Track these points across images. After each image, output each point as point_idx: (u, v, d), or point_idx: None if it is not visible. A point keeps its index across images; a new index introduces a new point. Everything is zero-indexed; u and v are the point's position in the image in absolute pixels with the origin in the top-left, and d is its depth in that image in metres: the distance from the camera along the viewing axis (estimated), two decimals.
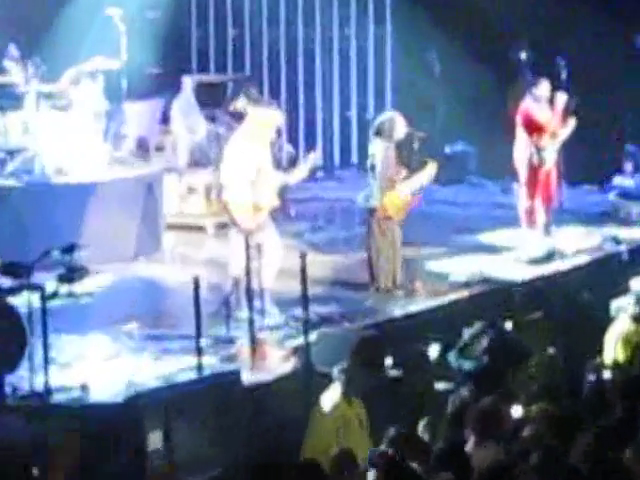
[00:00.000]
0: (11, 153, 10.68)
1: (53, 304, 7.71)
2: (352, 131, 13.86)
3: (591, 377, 7.33)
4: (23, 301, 7.53)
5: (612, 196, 12.03)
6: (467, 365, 7.91)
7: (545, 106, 10.25)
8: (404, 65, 13.47)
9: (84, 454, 6.80)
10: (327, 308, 8.56)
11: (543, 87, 10.10)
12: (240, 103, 10.76)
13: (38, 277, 7.53)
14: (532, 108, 10.22)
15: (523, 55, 12.44)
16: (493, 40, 12.50)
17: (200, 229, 11.62)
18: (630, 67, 12.30)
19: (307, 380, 7.70)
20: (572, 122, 10.38)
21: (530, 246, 10.28)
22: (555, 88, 10.47)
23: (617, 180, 12.15)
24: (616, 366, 8.14)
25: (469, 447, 5.55)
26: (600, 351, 8.41)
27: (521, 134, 10.34)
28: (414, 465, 5.17)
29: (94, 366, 7.99)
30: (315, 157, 9.48)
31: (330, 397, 6.66)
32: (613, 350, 8.34)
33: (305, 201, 11.99)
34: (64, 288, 8.03)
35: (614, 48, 12.28)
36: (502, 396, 6.48)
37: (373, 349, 7.73)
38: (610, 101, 12.36)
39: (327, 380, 7.05)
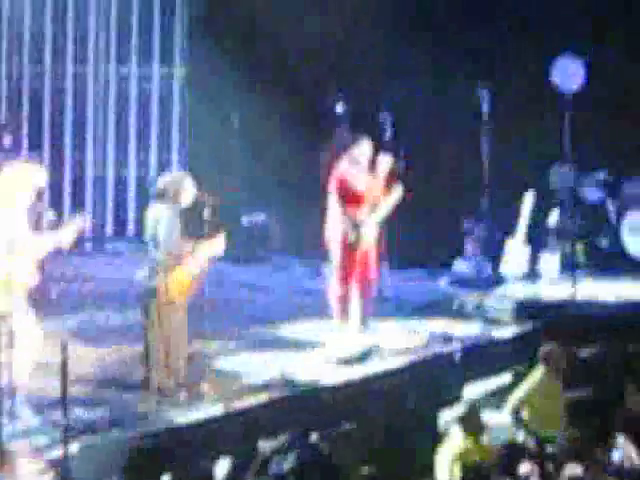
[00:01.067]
0: None
1: None
2: (129, 194, 11.73)
3: None
4: None
5: (444, 284, 10.24)
6: None
7: (364, 171, 8.53)
8: (195, 115, 11.50)
9: None
10: (93, 412, 7.17)
11: (363, 147, 8.42)
12: None
13: None
14: (348, 173, 8.49)
15: (339, 108, 10.51)
16: (303, 89, 10.58)
17: None
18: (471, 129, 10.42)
19: None
20: (398, 191, 8.69)
21: (343, 342, 8.63)
22: (378, 149, 8.69)
23: (455, 264, 10.53)
24: None
25: None
26: (426, 474, 7.16)
27: (334, 205, 8.57)
28: None
29: None
30: (83, 219, 7.49)
31: None
32: (445, 473, 7.18)
33: (70, 279, 10.01)
34: None
35: (452, 103, 10.43)
36: None
37: (148, 465, 6.51)
38: (447, 168, 10.55)
39: None
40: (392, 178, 8.65)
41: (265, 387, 7.87)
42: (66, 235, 7.03)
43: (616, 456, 6.51)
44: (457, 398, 8.30)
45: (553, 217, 10.65)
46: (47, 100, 12.31)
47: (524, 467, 6.55)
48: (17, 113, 12.40)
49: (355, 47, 10.99)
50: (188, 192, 7.48)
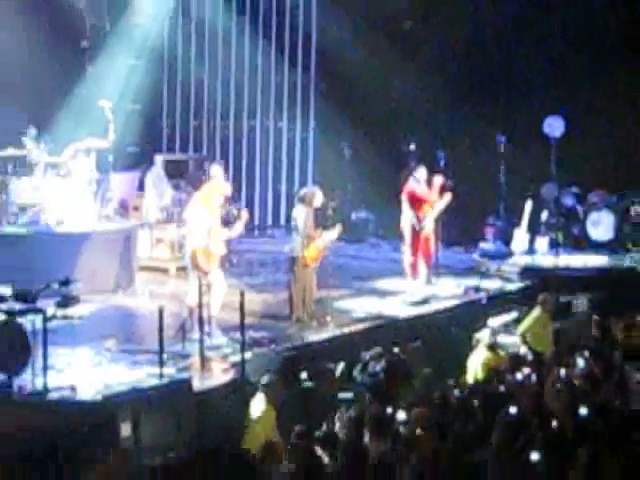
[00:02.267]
0: (23, 209, 12.02)
1: (52, 324, 8.26)
2: (281, 200, 15.73)
3: (457, 392, 8.25)
4: (29, 321, 8.16)
5: (476, 256, 13.74)
6: (366, 380, 9.02)
7: (424, 185, 11.72)
8: (322, 150, 15.51)
9: (72, 439, 7.32)
10: (258, 334, 9.43)
11: (421, 172, 11.67)
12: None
13: (41, 303, 8.20)
14: (414, 187, 11.74)
15: (412, 147, 14.43)
16: (390, 135, 14.80)
17: (165, 271, 12.72)
18: (493, 160, 14.29)
19: (242, 387, 8.45)
20: (447, 197, 11.73)
21: (413, 291, 11.66)
22: (433, 172, 12.04)
23: (481, 244, 13.85)
24: (477, 384, 9.16)
25: (366, 441, 6.20)
26: (464, 372, 9.74)
27: (406, 206, 11.70)
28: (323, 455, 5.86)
29: (81, 372, 8.52)
30: (245, 214, 10.11)
31: (257, 404, 7.67)
32: (474, 372, 9.62)
33: (244, 252, 13.43)
34: (60, 312, 8.55)
35: (481, 144, 14.24)
36: (391, 403, 7.50)
37: (292, 367, 8.79)
38: (477, 184, 14.06)
39: (255, 388, 8.08)
40: (443, 190, 11.76)
41: (365, 319, 10.49)
42: (239, 226, 9.51)
43: (580, 364, 8.62)
44: (484, 326, 10.49)
45: (544, 215, 13.88)
46: (230, 143, 16.56)
47: (525, 370, 8.75)
48: (213, 150, 16.73)
49: (422, 108, 14.77)
50: (318, 198, 10.07)
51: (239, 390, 8.79)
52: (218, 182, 9.97)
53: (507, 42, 14.48)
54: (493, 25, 14.57)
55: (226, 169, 13.67)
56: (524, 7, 14.43)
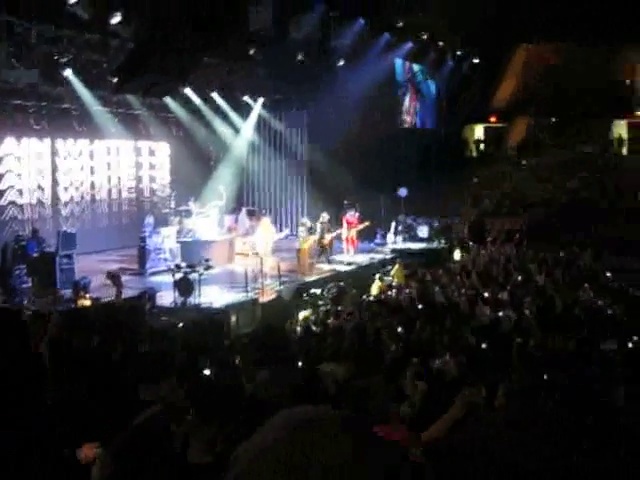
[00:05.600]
0: (189, 230, 21.01)
1: (202, 277, 15.69)
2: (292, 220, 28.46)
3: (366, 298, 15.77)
4: (192, 275, 15.74)
5: (372, 245, 25.96)
6: (328, 295, 20.80)
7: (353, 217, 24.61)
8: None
9: (210, 324, 16.76)
10: (286, 278, 18.71)
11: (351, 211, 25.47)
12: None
13: (197, 269, 17.31)
14: (348, 217, 25.39)
15: (346, 201, 27.49)
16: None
17: (246, 255, 21.34)
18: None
19: (279, 300, 16.91)
20: (365, 223, 24.09)
21: (347, 259, 23.45)
22: (356, 211, 25.78)
23: (375, 240, 26.77)
24: (375, 296, 16.55)
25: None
26: (369, 291, 17.44)
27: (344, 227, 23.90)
28: None
29: (213, 296, 16.03)
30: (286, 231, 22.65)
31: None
32: (374, 290, 17.36)
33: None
34: (204, 271, 15.94)
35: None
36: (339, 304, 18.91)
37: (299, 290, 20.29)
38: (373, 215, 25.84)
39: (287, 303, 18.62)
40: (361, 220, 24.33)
41: (329, 271, 20.76)
42: (282, 234, 20.99)
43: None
44: (377, 272, 18.79)
45: (399, 227, 26.25)
46: (270, 200, 27.45)
47: (392, 291, 20.54)
48: (261, 206, 27.18)
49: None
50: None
51: (278, 301, 16.42)
52: (266, 220, 20.77)
53: None
54: None
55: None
56: None
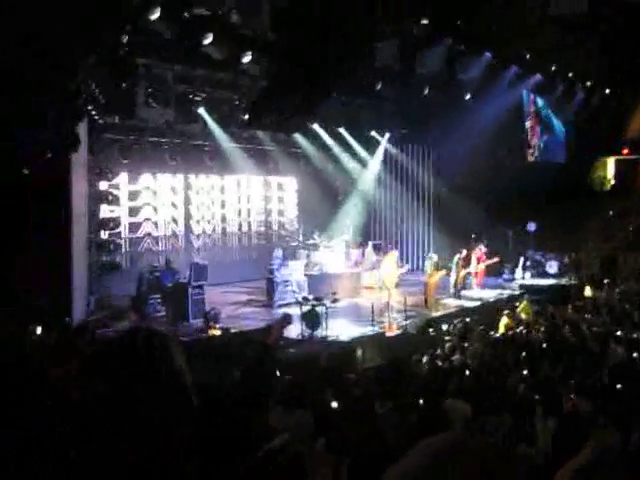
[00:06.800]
0: (315, 264, 21.68)
1: (329, 309, 16.12)
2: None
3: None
4: (319, 308, 16.47)
5: (501, 281, 26.63)
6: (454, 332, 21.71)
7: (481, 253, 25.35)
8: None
9: (337, 359, 18.10)
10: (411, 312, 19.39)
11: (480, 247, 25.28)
12: None
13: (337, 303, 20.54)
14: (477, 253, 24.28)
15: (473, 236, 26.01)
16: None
17: (372, 288, 21.80)
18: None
19: (406, 334, 18.72)
20: (495, 259, 24.64)
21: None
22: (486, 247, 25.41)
23: (503, 276, 25.20)
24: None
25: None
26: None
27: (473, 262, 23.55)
28: None
29: (340, 329, 16.33)
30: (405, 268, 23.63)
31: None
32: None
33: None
34: (331, 305, 16.69)
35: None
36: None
37: (427, 324, 21.79)
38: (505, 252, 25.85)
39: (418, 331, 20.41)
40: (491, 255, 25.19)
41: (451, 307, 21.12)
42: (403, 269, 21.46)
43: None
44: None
45: (527, 263, 26.64)
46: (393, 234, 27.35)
47: None
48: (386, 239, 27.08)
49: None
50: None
51: (403, 336, 16.43)
52: (392, 254, 21.39)
53: None
54: None
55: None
56: None
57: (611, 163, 32.49)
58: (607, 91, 28.80)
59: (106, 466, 2.09)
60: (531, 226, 25.89)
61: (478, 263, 23.05)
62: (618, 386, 9.30)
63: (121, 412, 2.12)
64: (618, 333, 14.36)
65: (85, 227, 17.14)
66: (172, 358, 2.22)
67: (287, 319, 3.76)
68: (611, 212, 28.47)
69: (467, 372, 10.75)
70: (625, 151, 31.50)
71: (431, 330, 17.23)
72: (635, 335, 13.99)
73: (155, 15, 13.67)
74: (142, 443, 2.09)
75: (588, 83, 28.00)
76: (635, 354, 11.93)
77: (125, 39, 13.86)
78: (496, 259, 22.87)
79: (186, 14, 14.47)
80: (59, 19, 11.58)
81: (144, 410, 2.14)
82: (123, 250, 20.43)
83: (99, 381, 2.18)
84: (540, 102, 27.48)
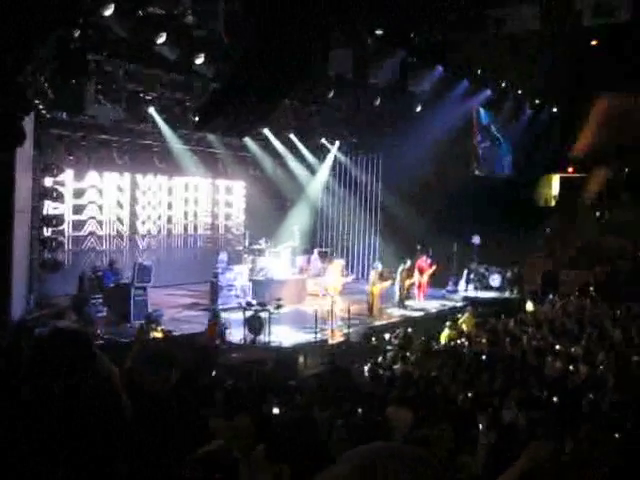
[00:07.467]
0: (262, 269, 21.54)
1: (272, 315, 15.96)
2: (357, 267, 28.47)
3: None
4: (263, 314, 16.15)
5: (444, 292, 26.94)
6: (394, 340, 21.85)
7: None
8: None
9: (277, 363, 18.54)
10: (355, 320, 18.94)
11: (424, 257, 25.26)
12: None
13: (267, 307, 19.89)
14: (420, 264, 25.25)
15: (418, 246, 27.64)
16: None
17: (317, 295, 22.08)
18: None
19: (348, 343, 17.01)
20: (434, 268, 25.51)
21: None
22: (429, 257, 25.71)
23: (447, 287, 26.03)
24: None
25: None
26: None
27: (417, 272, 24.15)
28: None
29: (283, 335, 16.30)
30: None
31: None
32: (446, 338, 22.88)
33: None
34: (275, 310, 16.32)
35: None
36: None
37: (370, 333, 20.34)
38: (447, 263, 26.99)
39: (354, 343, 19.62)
40: (431, 265, 25.52)
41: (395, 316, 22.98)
42: (348, 278, 21.39)
43: None
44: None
45: (471, 275, 26.21)
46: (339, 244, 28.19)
47: None
48: (332, 247, 27.53)
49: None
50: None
51: (345, 344, 16.53)
52: (337, 262, 21.39)
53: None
54: None
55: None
56: None
57: (556, 180, 33.02)
58: (554, 110, 29.28)
59: (38, 460, 2.04)
60: (476, 239, 26.13)
61: (421, 274, 23.08)
62: (555, 399, 9.46)
63: (53, 410, 2.08)
64: (557, 347, 14.59)
65: (28, 223, 16.88)
66: (99, 358, 2.18)
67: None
68: (548, 229, 28.91)
69: (408, 381, 10.82)
70: (570, 169, 32.04)
71: (373, 339, 17.28)
72: (573, 349, 14.21)
73: (109, 11, 13.50)
74: (72, 441, 2.06)
75: (537, 101, 28.39)
76: (572, 367, 12.13)
77: (77, 34, 13.67)
78: (434, 267, 23.08)
79: (140, 12, 14.32)
80: (9, 10, 11.36)
81: (73, 409, 2.10)
82: (66, 248, 20.04)
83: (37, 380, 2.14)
84: (489, 117, 27.82)
